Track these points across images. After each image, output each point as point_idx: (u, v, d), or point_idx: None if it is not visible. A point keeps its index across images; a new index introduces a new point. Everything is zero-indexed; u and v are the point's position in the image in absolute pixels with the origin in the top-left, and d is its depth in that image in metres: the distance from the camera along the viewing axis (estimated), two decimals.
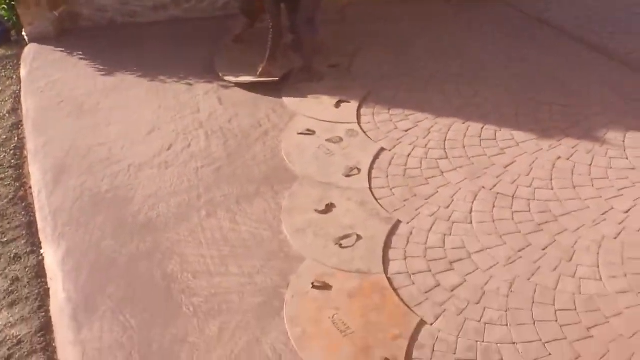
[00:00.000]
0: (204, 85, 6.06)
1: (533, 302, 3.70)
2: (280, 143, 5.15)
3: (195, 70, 6.33)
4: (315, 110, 5.55)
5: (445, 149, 5.00)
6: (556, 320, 3.59)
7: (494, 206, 4.41)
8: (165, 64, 6.48)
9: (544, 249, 4.05)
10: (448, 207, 4.42)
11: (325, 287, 3.84)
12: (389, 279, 3.88)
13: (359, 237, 4.18)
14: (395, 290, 3.80)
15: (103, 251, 4.16)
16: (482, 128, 5.22)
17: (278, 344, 3.53)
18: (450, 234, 4.20)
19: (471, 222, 4.28)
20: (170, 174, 4.83)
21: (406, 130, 5.23)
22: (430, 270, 3.93)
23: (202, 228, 4.32)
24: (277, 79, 5.93)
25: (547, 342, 3.47)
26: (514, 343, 3.47)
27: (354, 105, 5.59)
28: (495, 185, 4.59)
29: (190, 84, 6.08)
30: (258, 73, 5.96)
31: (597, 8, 7.50)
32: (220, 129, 5.36)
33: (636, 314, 3.61)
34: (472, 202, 4.44)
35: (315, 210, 4.41)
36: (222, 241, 4.22)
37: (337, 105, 5.60)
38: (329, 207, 4.44)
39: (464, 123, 5.29)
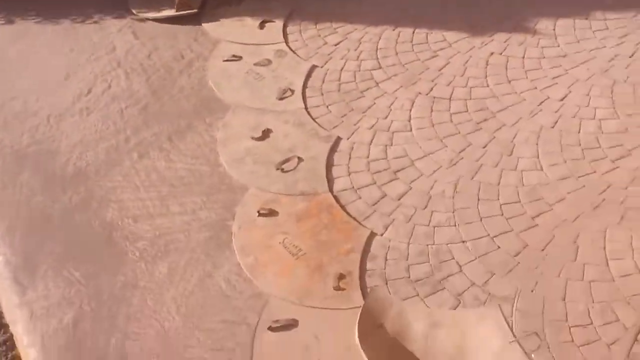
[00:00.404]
0: (115, 21, 5.67)
1: (478, 200, 3.72)
2: (206, 73, 4.92)
3: (103, 7, 5.91)
4: (238, 34, 5.30)
5: (377, 58, 4.88)
6: (502, 214, 3.63)
7: (431, 110, 4.35)
8: (69, 3, 6.03)
9: (484, 147, 4.04)
10: (386, 117, 4.34)
11: (272, 213, 3.75)
12: (335, 197, 3.81)
13: (300, 159, 4.08)
14: (342, 206, 3.75)
15: (35, 208, 3.96)
16: (413, 32, 5.09)
17: (231, 276, 3.47)
18: (392, 144, 4.13)
19: (411, 130, 4.22)
20: (94, 119, 4.58)
21: (336, 44, 5.06)
22: (375, 183, 3.88)
23: (135, 171, 4.14)
24: (196, 10, 5.62)
25: (495, 236, 3.52)
26: (463, 242, 3.51)
27: (278, 24, 5.36)
28: (431, 90, 4.52)
29: (100, 22, 5.69)
30: (175, 6, 5.64)
31: None
32: (140, 65, 5.08)
33: (578, 197, 3.68)
34: (410, 110, 4.37)
35: (252, 138, 4.27)
36: (159, 181, 4.06)
37: (261, 26, 5.36)
38: (266, 133, 4.30)
39: (394, 29, 5.14)
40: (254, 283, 3.40)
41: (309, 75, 4.77)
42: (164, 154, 4.25)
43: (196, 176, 4.08)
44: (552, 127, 4.11)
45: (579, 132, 4.06)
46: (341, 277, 3.35)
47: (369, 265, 3.42)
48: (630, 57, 4.59)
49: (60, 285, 3.51)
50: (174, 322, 3.29)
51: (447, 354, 3.02)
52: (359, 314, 3.13)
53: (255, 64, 4.92)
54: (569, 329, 3.11)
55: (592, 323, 3.13)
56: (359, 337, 3.04)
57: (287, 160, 4.08)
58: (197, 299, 3.39)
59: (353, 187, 3.87)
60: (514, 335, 3.06)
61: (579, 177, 3.78)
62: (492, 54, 4.78)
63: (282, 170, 4.02)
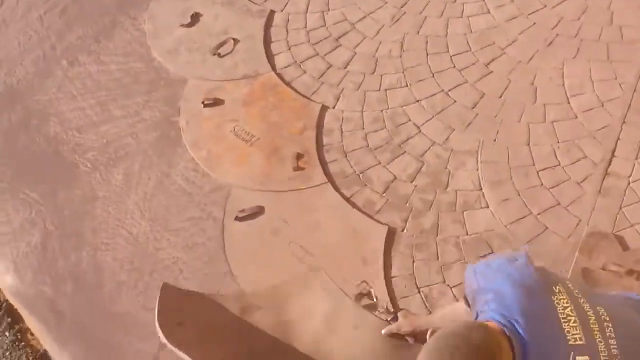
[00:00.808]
0: None
1: (427, 55, 3.64)
2: None
3: None
4: None
5: None
6: (454, 66, 3.58)
7: None
8: None
9: None
10: None
11: (217, 102, 3.64)
12: (278, 75, 3.70)
13: (236, 41, 3.90)
14: (288, 84, 3.65)
15: None
16: None
17: (188, 172, 3.41)
18: (329, 10, 3.97)
19: None
20: (13, 32, 4.28)
21: None
22: (318, 54, 3.77)
23: (69, 79, 3.93)
24: None
25: (449, 90, 3.48)
26: (417, 101, 3.47)
27: None
28: None
29: None
30: None
31: None
32: None
33: (530, 36, 3.62)
34: None
35: (182, 25, 4.05)
36: (94, 87, 3.88)
37: None
38: (195, 18, 4.08)
39: None
40: (212, 176, 3.36)
41: None
42: (94, 57, 4.04)
43: (132, 75, 3.90)
44: None
45: None
46: (299, 156, 3.31)
47: (325, 140, 3.38)
48: None
49: (19, 209, 3.44)
50: (141, 227, 3.27)
51: (267, 334, 2.74)
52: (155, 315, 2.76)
53: None
54: (537, 172, 3.14)
55: (559, 164, 3.15)
56: (165, 336, 2.65)
57: (222, 44, 3.90)
58: (159, 200, 3.35)
59: (296, 62, 3.75)
60: (347, 295, 2.83)
61: (528, 14, 3.71)
62: None
63: (219, 55, 3.86)
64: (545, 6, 3.73)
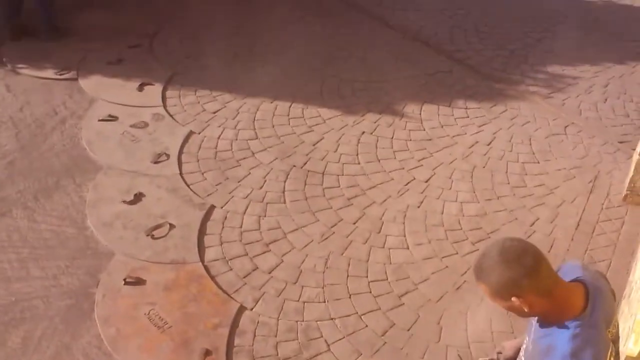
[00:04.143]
0: None
1: (348, 276, 3.82)
2: (80, 131, 4.79)
3: None
4: (116, 94, 5.22)
5: (255, 129, 4.97)
6: (370, 292, 3.74)
7: (305, 184, 4.46)
8: None
9: (354, 223, 4.18)
10: (261, 187, 4.40)
11: (139, 281, 3.66)
12: (205, 267, 3.79)
13: (171, 226, 4.03)
14: (212, 277, 3.73)
15: None
16: (290, 106, 5.24)
17: (90, 348, 3.32)
18: (265, 215, 4.19)
19: (285, 202, 4.30)
20: None
21: (214, 112, 5.11)
22: (247, 254, 3.90)
23: None
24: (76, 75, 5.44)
25: (363, 314, 3.61)
26: (332, 319, 3.56)
27: (158, 87, 5.34)
28: (305, 163, 4.65)
29: None
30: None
31: None
32: (10, 119, 4.85)
33: (441, 277, 3.86)
34: (285, 182, 4.47)
35: (123, 201, 4.17)
36: (20, 242, 3.86)
37: (140, 88, 5.31)
38: (138, 197, 4.22)
39: (272, 102, 5.28)
40: (113, 357, 3.27)
41: (185, 141, 4.77)
42: (28, 213, 4.06)
43: (61, 238, 3.91)
44: (418, 207, 4.34)
45: (442, 213, 4.32)
46: (207, 353, 3.29)
47: (236, 341, 3.38)
48: (488, 144, 4.97)
49: None
50: None
51: None
52: None
53: (131, 126, 4.86)
54: None
55: None
56: None
57: (158, 227, 4.02)
58: None
59: (225, 258, 3.86)
60: None
61: (442, 257, 3.99)
62: (363, 132, 5.01)
63: (153, 237, 3.95)
64: (457, 253, 4.03)
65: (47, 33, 5.81)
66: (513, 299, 1.83)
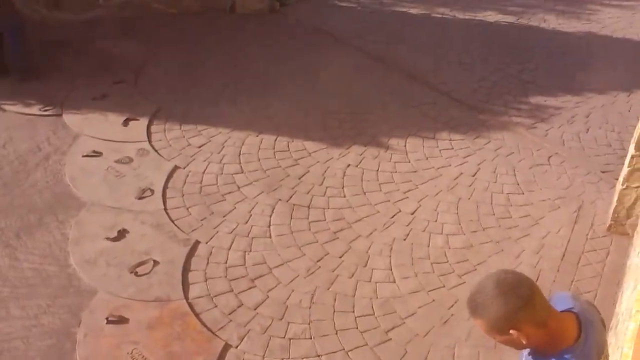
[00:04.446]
0: None
1: (334, 312, 3.79)
2: (64, 167, 4.76)
3: None
4: (100, 129, 5.21)
5: (240, 163, 4.96)
6: (357, 327, 3.71)
7: (291, 218, 4.45)
8: None
9: (340, 257, 4.17)
10: (247, 222, 4.38)
11: (122, 320, 3.61)
12: (190, 304, 3.74)
13: (155, 263, 3.99)
14: (197, 315, 3.68)
15: None
16: (275, 140, 5.25)
17: None
18: (250, 250, 4.16)
19: (270, 236, 4.28)
20: None
21: (200, 146, 5.10)
22: (232, 290, 3.86)
23: None
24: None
25: (349, 351, 3.57)
26: (318, 356, 3.52)
27: (143, 122, 5.33)
28: (291, 197, 4.64)
29: None
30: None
31: (373, 21, 7.90)
32: None
33: (428, 311, 3.84)
34: (270, 216, 4.45)
35: (107, 238, 4.14)
36: (0, 281, 3.80)
37: (125, 123, 5.30)
38: (122, 233, 4.19)
39: (257, 136, 5.29)
40: None
41: (170, 176, 4.75)
42: (9, 251, 4.02)
43: (42, 277, 3.86)
44: (404, 240, 4.34)
45: (428, 245, 4.31)
46: None
47: None
48: (472, 176, 4.99)
49: None
50: None
51: None
52: None
53: (115, 161, 4.84)
54: None
55: None
56: None
57: (142, 263, 3.98)
58: None
59: (209, 295, 3.82)
60: None
61: (429, 291, 3.97)
62: (349, 165, 5.02)
63: (136, 274, 3.91)
64: (444, 286, 4.01)
65: (20, 73, 5.80)
66: (511, 331, 1.82)
